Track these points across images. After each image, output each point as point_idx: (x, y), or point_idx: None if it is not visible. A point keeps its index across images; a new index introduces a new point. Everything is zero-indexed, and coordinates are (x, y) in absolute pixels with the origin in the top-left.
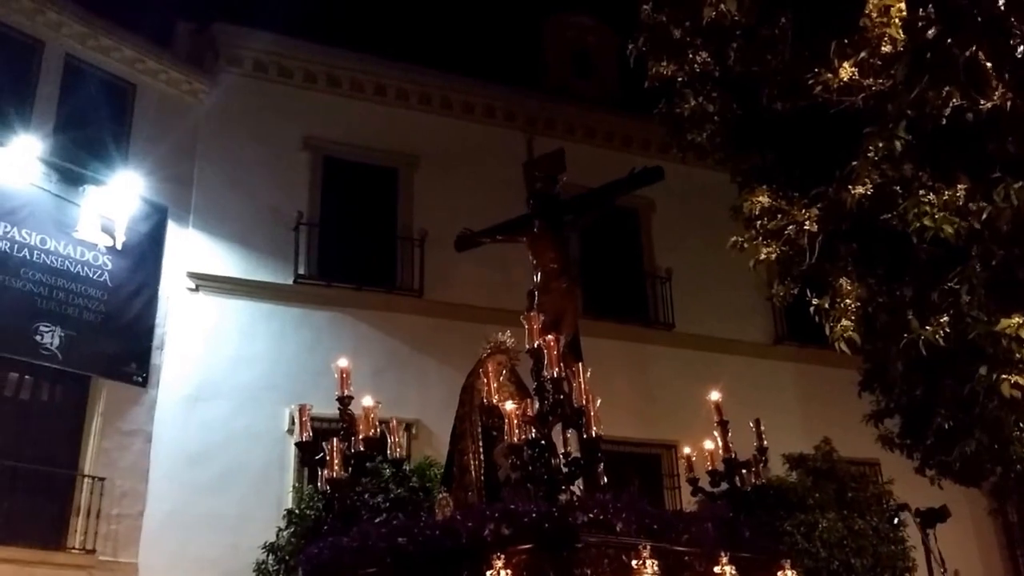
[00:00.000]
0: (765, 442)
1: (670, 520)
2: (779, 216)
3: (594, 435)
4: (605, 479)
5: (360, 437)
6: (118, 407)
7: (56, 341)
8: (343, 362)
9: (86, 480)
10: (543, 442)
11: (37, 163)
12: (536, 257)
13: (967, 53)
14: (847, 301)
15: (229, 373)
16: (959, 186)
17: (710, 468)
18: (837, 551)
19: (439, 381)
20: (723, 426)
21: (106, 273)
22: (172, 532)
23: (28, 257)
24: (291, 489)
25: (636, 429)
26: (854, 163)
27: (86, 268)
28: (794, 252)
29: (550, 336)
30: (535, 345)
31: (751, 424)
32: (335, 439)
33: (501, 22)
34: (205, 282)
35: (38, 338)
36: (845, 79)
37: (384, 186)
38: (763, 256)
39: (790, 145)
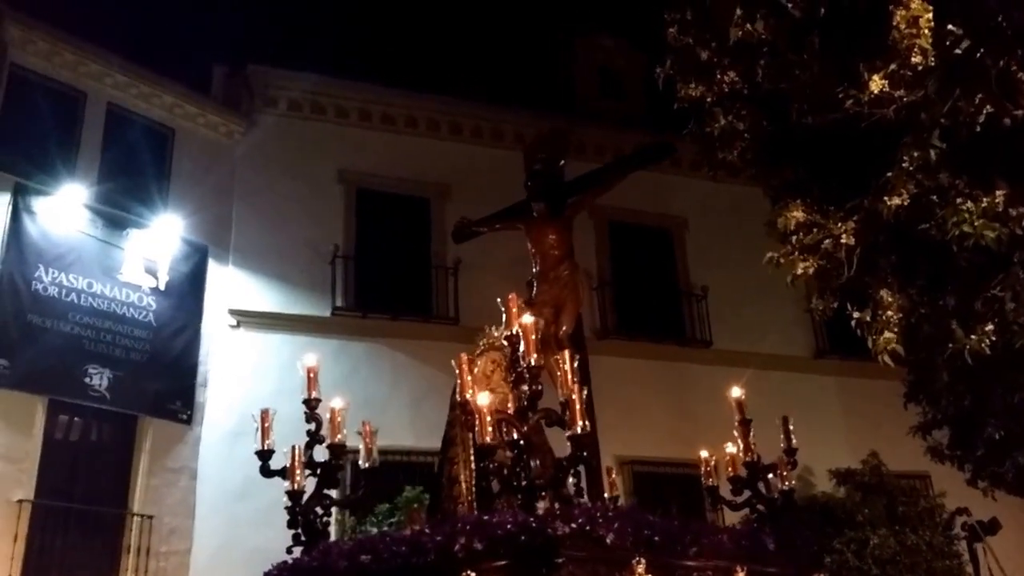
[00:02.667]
0: (794, 442)
1: (675, 531)
2: (815, 230)
3: (579, 431)
4: (583, 485)
5: (326, 443)
6: (164, 445)
7: (104, 382)
8: (310, 360)
9: (135, 518)
10: (521, 442)
11: (83, 210)
12: (535, 243)
13: (1000, 64)
14: (889, 313)
15: (272, 406)
16: (998, 192)
17: (731, 474)
18: (890, 568)
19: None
20: (745, 426)
21: (150, 313)
22: (220, 568)
23: (76, 301)
24: (335, 520)
25: (676, 450)
26: (889, 174)
27: (131, 309)
28: (832, 266)
29: (528, 319)
30: (512, 331)
31: (778, 422)
32: (296, 446)
33: (528, 48)
34: (246, 318)
35: (87, 380)
36: (876, 92)
37: (417, 216)
38: (800, 271)
39: (823, 159)
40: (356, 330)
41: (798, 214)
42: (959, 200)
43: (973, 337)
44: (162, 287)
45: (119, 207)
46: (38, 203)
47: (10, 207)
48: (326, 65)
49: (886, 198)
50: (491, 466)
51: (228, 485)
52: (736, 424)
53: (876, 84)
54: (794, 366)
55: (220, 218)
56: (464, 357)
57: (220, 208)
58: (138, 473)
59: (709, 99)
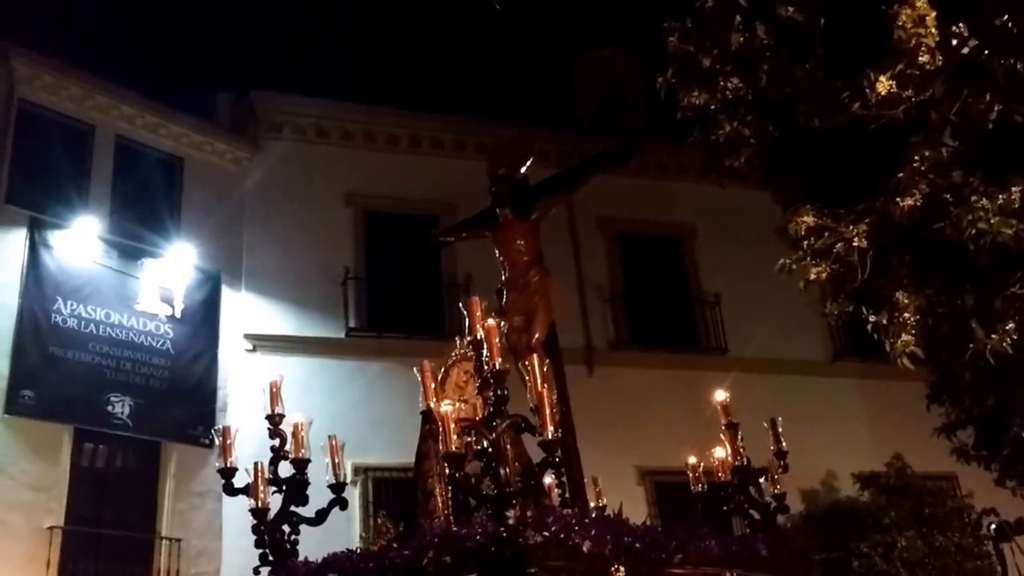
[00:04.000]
0: (784, 444)
1: (658, 537)
2: (826, 234)
3: (549, 436)
4: (558, 492)
5: (291, 459)
6: (188, 469)
7: (126, 410)
8: (274, 376)
9: (164, 542)
10: (489, 450)
11: (97, 241)
12: (503, 250)
13: (1006, 64)
14: (906, 315)
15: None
16: (1013, 188)
17: (720, 479)
18: (919, 570)
19: None
20: (732, 430)
21: (168, 341)
22: None
23: (95, 331)
24: (359, 539)
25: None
26: (900, 174)
27: (149, 338)
28: (845, 269)
29: (491, 321)
30: (475, 335)
31: (765, 424)
32: (259, 463)
33: (528, 62)
34: (261, 342)
35: (109, 408)
36: (883, 93)
37: (426, 235)
38: (813, 276)
39: (831, 162)
40: (371, 350)
41: (808, 219)
42: (974, 198)
43: (994, 336)
44: (178, 315)
45: (133, 237)
46: (54, 237)
47: (27, 242)
48: (329, 89)
49: (898, 199)
50: (457, 476)
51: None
52: (722, 428)
53: (883, 85)
54: (812, 370)
55: (232, 244)
56: (426, 364)
57: (231, 234)
58: (164, 497)
59: (713, 106)
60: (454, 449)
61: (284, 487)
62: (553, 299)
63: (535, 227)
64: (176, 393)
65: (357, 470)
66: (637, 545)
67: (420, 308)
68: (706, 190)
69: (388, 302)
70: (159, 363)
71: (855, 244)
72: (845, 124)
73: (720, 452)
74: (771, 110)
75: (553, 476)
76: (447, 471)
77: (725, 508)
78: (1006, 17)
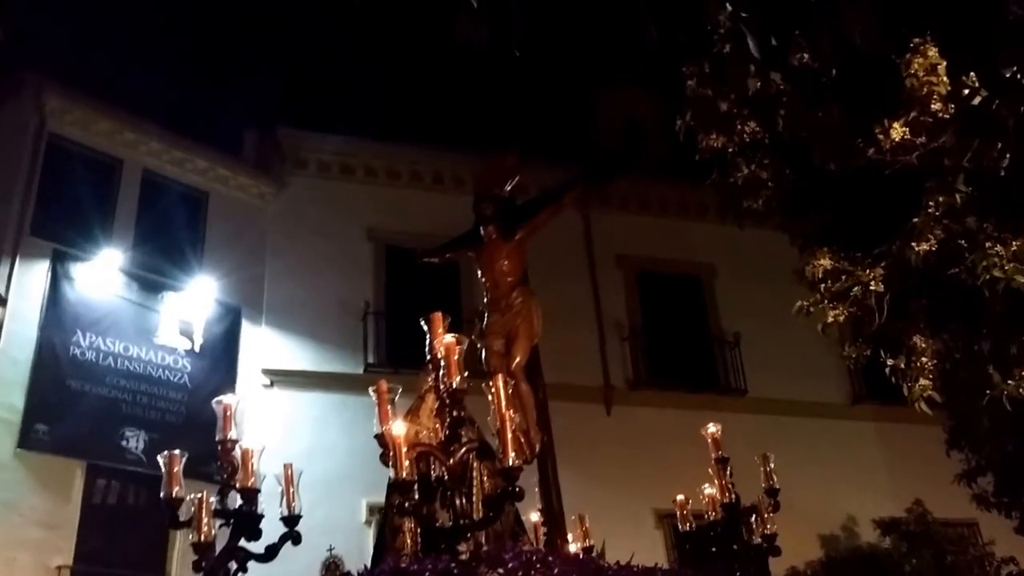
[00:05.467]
0: (775, 482)
1: None
2: (843, 278)
3: (509, 464)
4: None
5: (238, 487)
6: None
7: (140, 445)
8: (229, 398)
9: None
10: (444, 477)
11: (119, 274)
12: (486, 270)
13: (1015, 115)
14: (923, 359)
15: (305, 465)
16: None
17: (712, 517)
18: None
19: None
20: (722, 465)
21: (185, 375)
22: None
23: (112, 364)
24: None
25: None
26: (916, 219)
27: (167, 372)
28: (863, 313)
29: (450, 338)
30: (436, 353)
31: (756, 460)
32: (204, 493)
33: (552, 101)
34: (279, 377)
35: (123, 443)
36: (897, 139)
37: (446, 271)
38: (831, 319)
39: (848, 205)
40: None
41: (825, 262)
42: (988, 244)
43: (1011, 382)
44: (197, 349)
45: (155, 271)
46: (76, 269)
47: (49, 274)
48: (354, 126)
49: (914, 243)
50: (407, 505)
51: (265, 544)
52: (712, 463)
53: (897, 132)
54: (831, 413)
55: (253, 279)
56: (382, 385)
57: (253, 269)
58: (176, 536)
59: (731, 149)
60: (404, 476)
61: (231, 520)
62: (536, 322)
63: (521, 247)
64: (192, 428)
65: (372, 509)
66: None
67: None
68: (726, 230)
69: (407, 338)
70: (176, 397)
71: (872, 288)
72: (861, 169)
73: (710, 489)
74: (788, 153)
75: (540, 514)
76: (399, 501)
77: (713, 549)
78: (1015, 68)
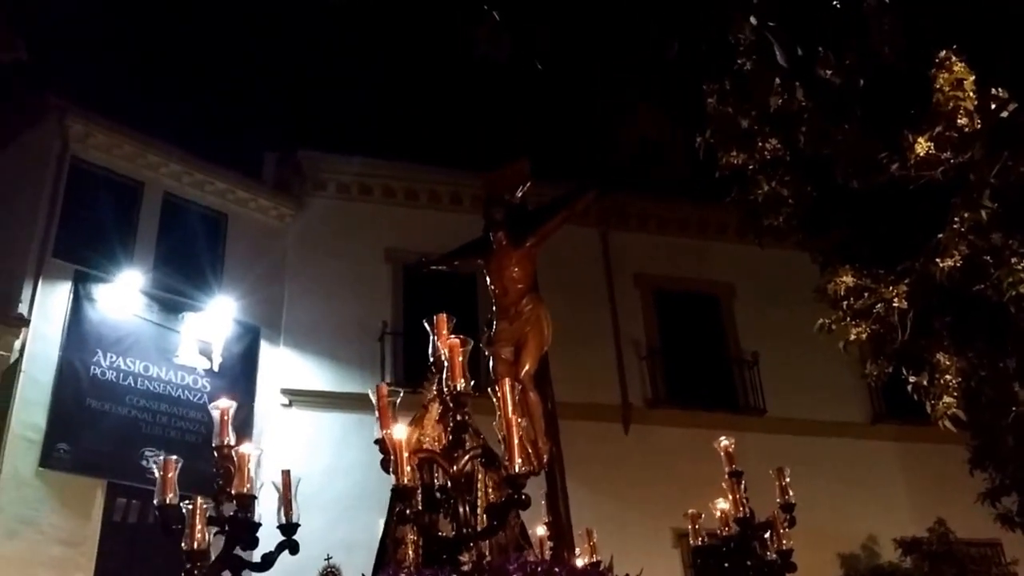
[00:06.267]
0: (791, 496)
1: None
2: (866, 295)
3: (516, 471)
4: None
5: (232, 493)
6: None
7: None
8: (225, 403)
9: None
10: (448, 484)
11: (139, 295)
12: (495, 278)
13: None
14: (947, 377)
15: (325, 485)
16: None
17: (724, 532)
18: None
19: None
20: (736, 478)
21: (205, 395)
22: None
23: (133, 384)
24: None
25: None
26: (940, 235)
27: (186, 391)
28: (885, 330)
29: (454, 339)
30: (440, 354)
31: (771, 473)
32: (198, 499)
33: (568, 121)
34: (298, 397)
35: (144, 462)
36: (922, 154)
37: (463, 291)
38: (853, 336)
39: (870, 222)
40: (406, 406)
41: (848, 279)
42: (1014, 260)
43: None
44: (216, 368)
45: (175, 292)
46: (97, 290)
47: (71, 295)
48: (372, 147)
49: (938, 260)
50: (408, 513)
51: (285, 563)
52: (725, 477)
53: (922, 147)
54: (851, 432)
55: (272, 299)
56: (382, 388)
57: (272, 289)
58: None
59: (751, 166)
60: (405, 482)
61: (226, 527)
62: (545, 330)
63: (531, 254)
64: (211, 448)
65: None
66: None
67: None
68: (745, 249)
69: (425, 358)
70: (195, 417)
71: (895, 305)
72: (883, 185)
73: (724, 504)
74: (809, 170)
75: (546, 528)
76: (399, 509)
77: (726, 564)
78: None
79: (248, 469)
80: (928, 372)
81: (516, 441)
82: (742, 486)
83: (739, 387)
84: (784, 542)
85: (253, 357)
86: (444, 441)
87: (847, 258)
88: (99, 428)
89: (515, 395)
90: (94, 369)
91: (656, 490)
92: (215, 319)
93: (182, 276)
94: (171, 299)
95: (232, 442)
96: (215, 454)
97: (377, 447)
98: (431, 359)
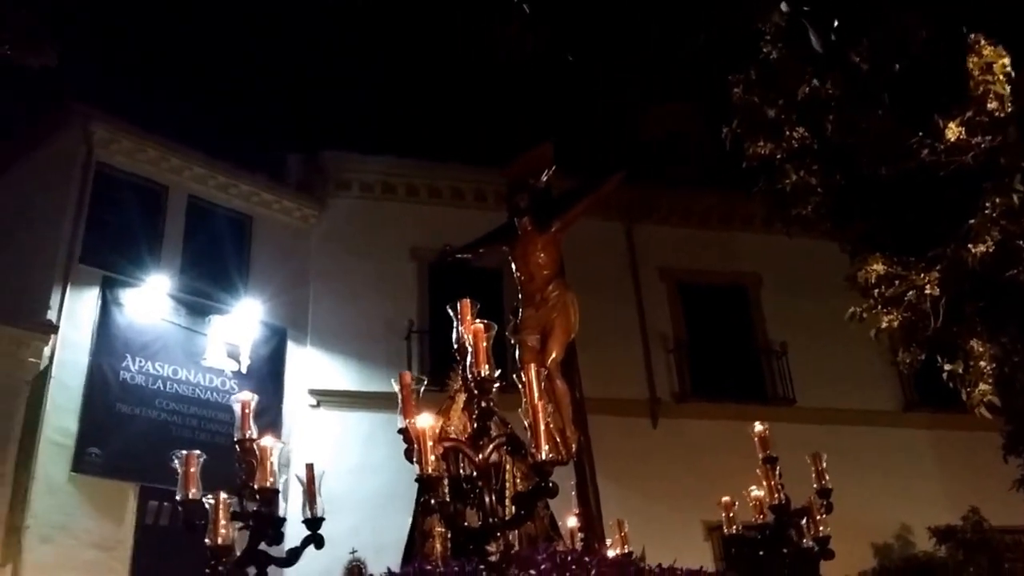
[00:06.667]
0: (827, 481)
1: None
2: (897, 282)
3: (543, 459)
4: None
5: (255, 487)
6: None
7: None
8: (245, 396)
9: None
10: (473, 473)
11: (167, 299)
12: (520, 264)
13: None
14: (981, 363)
15: (354, 485)
16: None
17: (759, 520)
18: None
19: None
20: (770, 464)
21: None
22: None
23: (162, 388)
24: None
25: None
26: (971, 221)
27: (215, 394)
28: (917, 317)
29: (478, 325)
30: (464, 340)
31: (808, 460)
32: (221, 494)
33: (593, 117)
34: (325, 397)
35: (175, 464)
36: (952, 139)
37: (489, 287)
38: (885, 325)
39: (899, 209)
40: (434, 404)
41: (878, 267)
42: None
43: None
44: (244, 370)
45: (201, 295)
46: (125, 295)
47: (99, 300)
48: (395, 146)
49: (970, 245)
50: (433, 503)
51: (316, 563)
52: (760, 464)
53: (952, 132)
54: (883, 421)
55: (298, 300)
56: (405, 376)
57: (297, 290)
58: None
59: (779, 156)
60: (430, 471)
61: (252, 523)
62: (572, 317)
63: (557, 240)
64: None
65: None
66: None
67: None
68: (771, 240)
69: (450, 355)
70: (224, 419)
71: (927, 292)
72: (912, 172)
73: (758, 491)
74: (837, 159)
75: (577, 519)
76: (423, 500)
77: (761, 553)
78: None
79: (271, 462)
80: (962, 359)
81: (542, 428)
82: (777, 472)
83: (768, 378)
84: (821, 528)
85: (280, 358)
86: (469, 430)
87: (877, 246)
88: (130, 432)
89: (541, 381)
90: (123, 373)
91: (686, 483)
92: (242, 321)
93: (208, 279)
94: (198, 302)
95: (254, 436)
96: (237, 448)
97: (401, 438)
98: (455, 346)
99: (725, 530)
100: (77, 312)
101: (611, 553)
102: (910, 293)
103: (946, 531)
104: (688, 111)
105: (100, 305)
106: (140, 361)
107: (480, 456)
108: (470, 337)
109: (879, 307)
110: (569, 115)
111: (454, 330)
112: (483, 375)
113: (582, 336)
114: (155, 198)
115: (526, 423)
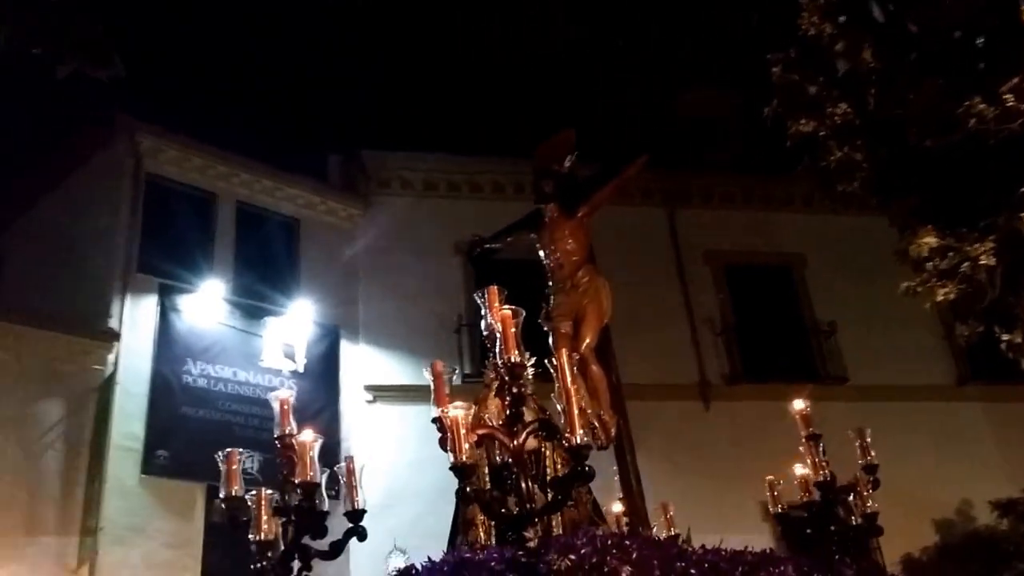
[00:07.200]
0: (872, 456)
1: (721, 563)
2: (950, 254)
3: (578, 443)
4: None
5: (296, 481)
6: None
7: (255, 465)
8: (284, 393)
9: None
10: (508, 460)
11: (222, 303)
12: (549, 251)
13: None
14: None
15: (413, 477)
16: None
17: (804, 499)
18: None
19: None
20: (813, 442)
21: (292, 396)
22: None
23: (223, 389)
24: None
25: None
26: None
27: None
28: (973, 289)
29: (507, 310)
30: (491, 325)
31: (851, 435)
32: (263, 489)
33: (628, 105)
34: (381, 392)
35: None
36: (1010, 104)
37: (532, 280)
38: (940, 298)
39: (948, 181)
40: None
41: (930, 239)
42: None
43: None
44: (300, 369)
45: (255, 297)
46: (182, 301)
47: (158, 308)
48: (434, 142)
49: (1023, 214)
50: (468, 490)
51: (380, 555)
52: (803, 441)
53: (1009, 98)
54: (937, 395)
55: (348, 299)
56: (438, 365)
57: (347, 289)
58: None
59: (822, 133)
60: (464, 459)
61: (293, 516)
62: (604, 301)
63: (584, 225)
64: None
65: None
66: (692, 572)
67: (529, 352)
68: (813, 218)
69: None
70: None
71: (982, 262)
72: (959, 142)
73: (801, 469)
74: (881, 133)
75: (622, 503)
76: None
77: (808, 531)
78: None
79: (310, 457)
80: (1021, 329)
81: (576, 412)
82: (820, 449)
83: (818, 357)
84: (869, 504)
85: (335, 356)
86: (502, 414)
87: (927, 219)
88: (194, 433)
89: (573, 365)
90: (185, 377)
91: (742, 465)
92: (296, 322)
93: (261, 282)
94: (252, 305)
95: (294, 431)
96: (277, 444)
97: (434, 424)
98: (484, 334)
99: (770, 509)
100: (137, 319)
101: (656, 536)
102: (964, 265)
103: (1008, 504)
104: (723, 95)
105: (159, 312)
106: (201, 364)
107: (515, 443)
108: (499, 324)
109: (933, 280)
110: (606, 102)
111: (483, 319)
112: (513, 361)
113: (630, 323)
114: (205, 205)
115: (559, 408)
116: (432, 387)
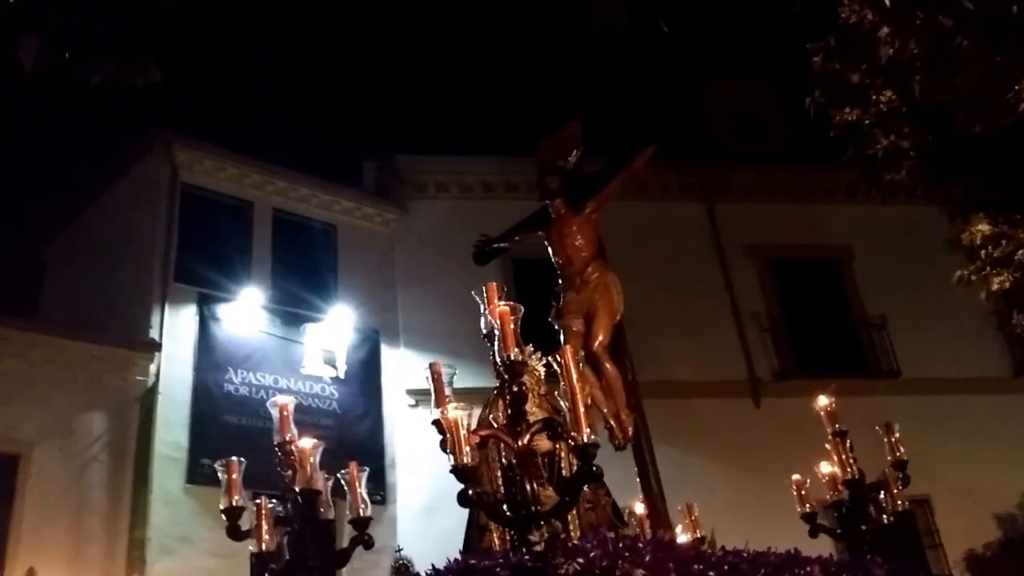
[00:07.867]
0: (901, 452)
1: (742, 565)
2: (1004, 242)
3: (584, 441)
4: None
5: (297, 489)
6: None
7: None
8: (284, 399)
9: None
10: (513, 461)
11: (261, 311)
12: (558, 248)
13: None
14: None
15: (457, 482)
16: None
17: (833, 498)
18: None
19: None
20: (840, 439)
21: (334, 402)
22: None
23: (265, 397)
24: None
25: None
26: None
27: (316, 400)
28: None
29: (505, 306)
30: (490, 322)
31: (879, 430)
32: (263, 500)
33: (663, 98)
34: (423, 397)
35: (283, 471)
36: None
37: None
38: (996, 286)
39: (998, 166)
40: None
41: (983, 227)
42: None
43: None
44: (342, 375)
45: (294, 304)
46: (221, 310)
47: (197, 317)
48: (468, 144)
49: None
50: (470, 494)
51: (426, 560)
52: (829, 438)
53: None
54: (993, 387)
55: (386, 303)
56: (437, 366)
57: (385, 293)
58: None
59: (867, 121)
60: (465, 461)
61: (297, 526)
62: (615, 297)
63: (592, 220)
64: (344, 452)
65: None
66: (711, 574)
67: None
68: (857, 210)
69: (536, 348)
70: (327, 424)
71: None
72: (1009, 127)
73: (830, 468)
74: (928, 120)
75: (644, 505)
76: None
77: (838, 531)
78: None
79: (311, 463)
80: None
81: (582, 410)
82: (848, 446)
83: (868, 351)
84: (899, 503)
85: (376, 361)
86: (503, 415)
87: (978, 206)
88: (238, 441)
89: (578, 362)
90: (227, 386)
91: (794, 462)
92: (335, 328)
93: (299, 289)
94: (291, 312)
95: (294, 437)
96: (277, 451)
97: (434, 426)
98: (483, 332)
99: (798, 508)
100: (177, 329)
101: (681, 538)
102: (1020, 252)
103: None
104: (760, 87)
105: (199, 321)
106: (242, 373)
107: (519, 443)
108: (497, 320)
109: (987, 268)
110: (640, 96)
111: (482, 316)
112: (512, 358)
113: (674, 321)
114: (241, 214)
115: (565, 406)
116: (432, 388)
